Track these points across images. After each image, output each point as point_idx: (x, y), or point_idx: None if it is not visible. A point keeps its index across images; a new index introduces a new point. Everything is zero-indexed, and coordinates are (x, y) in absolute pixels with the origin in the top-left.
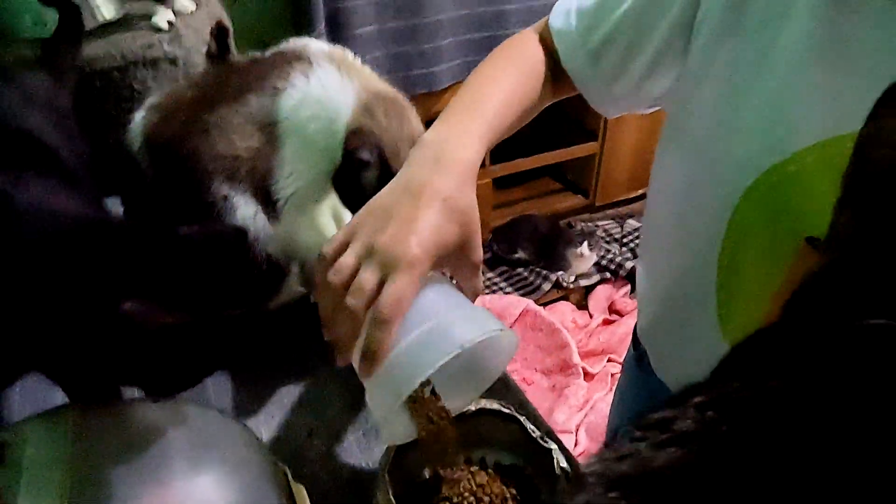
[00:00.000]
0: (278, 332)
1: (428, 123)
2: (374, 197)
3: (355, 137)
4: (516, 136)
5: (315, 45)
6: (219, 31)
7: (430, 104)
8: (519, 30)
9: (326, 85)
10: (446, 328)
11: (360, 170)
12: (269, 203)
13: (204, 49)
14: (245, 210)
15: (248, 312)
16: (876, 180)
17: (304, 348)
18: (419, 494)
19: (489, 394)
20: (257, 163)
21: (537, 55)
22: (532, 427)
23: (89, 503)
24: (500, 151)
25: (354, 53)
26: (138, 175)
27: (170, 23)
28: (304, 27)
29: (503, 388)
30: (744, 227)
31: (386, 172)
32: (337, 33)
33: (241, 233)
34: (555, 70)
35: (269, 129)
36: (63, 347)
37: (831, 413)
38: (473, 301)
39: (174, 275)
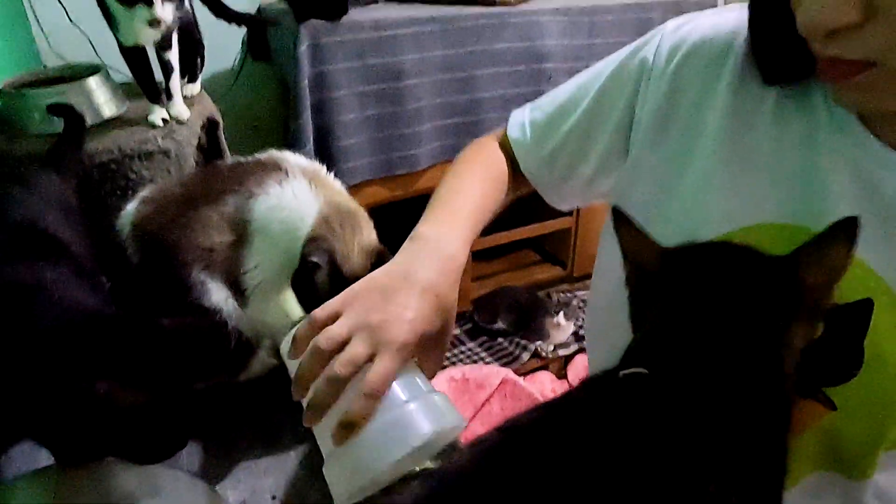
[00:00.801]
0: (246, 402)
1: (409, 200)
2: (372, 276)
3: (311, 244)
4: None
5: (293, 158)
6: (209, 126)
7: (410, 183)
8: (492, 116)
9: (297, 195)
10: (411, 417)
11: (313, 272)
12: (238, 289)
13: (195, 142)
14: (218, 295)
15: (219, 384)
16: (641, 280)
17: (270, 417)
18: None
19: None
20: (229, 255)
21: (499, 162)
22: None
23: None
24: None
25: (339, 137)
26: (125, 259)
27: (164, 120)
28: (292, 114)
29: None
30: None
31: (337, 276)
32: (322, 120)
33: (214, 323)
34: (514, 172)
35: (242, 227)
36: (48, 417)
37: (563, 437)
38: (432, 377)
39: (154, 358)
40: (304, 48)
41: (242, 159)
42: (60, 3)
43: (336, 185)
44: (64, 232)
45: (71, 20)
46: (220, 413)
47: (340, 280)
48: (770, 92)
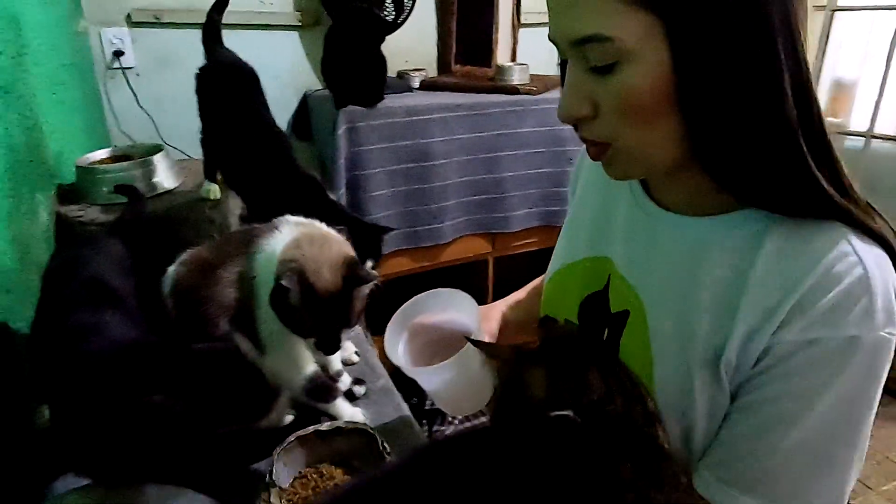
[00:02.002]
0: (239, 453)
1: (434, 272)
2: None
3: (281, 266)
4: (503, 290)
5: (293, 219)
6: None
7: (436, 255)
8: (514, 194)
9: (281, 242)
10: None
11: (286, 291)
12: (257, 340)
13: (238, 212)
14: (243, 345)
15: (240, 431)
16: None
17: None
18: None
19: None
20: (244, 309)
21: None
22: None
23: None
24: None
25: (371, 211)
26: (167, 313)
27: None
28: (328, 188)
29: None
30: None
31: (308, 290)
32: (356, 195)
33: (240, 354)
34: None
35: (250, 283)
36: (99, 430)
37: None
38: None
39: (190, 377)
40: (341, 131)
41: (257, 225)
42: (131, 89)
43: (322, 227)
44: (120, 285)
45: (139, 104)
46: (214, 463)
47: (313, 295)
48: None
